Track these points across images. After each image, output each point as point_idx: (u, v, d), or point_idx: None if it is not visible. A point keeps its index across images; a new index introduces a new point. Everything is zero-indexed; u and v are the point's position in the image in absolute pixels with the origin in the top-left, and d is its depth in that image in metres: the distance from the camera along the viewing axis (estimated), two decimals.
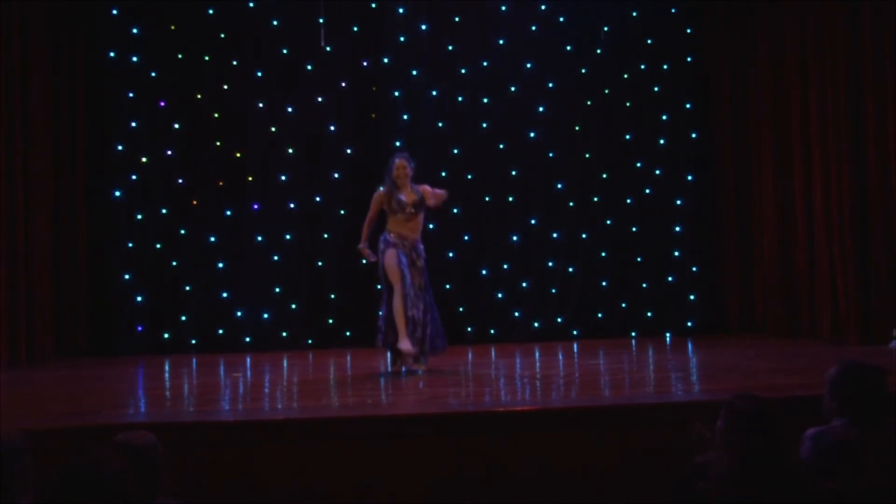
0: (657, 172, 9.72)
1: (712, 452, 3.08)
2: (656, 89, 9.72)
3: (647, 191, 9.72)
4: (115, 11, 9.10)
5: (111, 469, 2.30)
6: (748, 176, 9.36)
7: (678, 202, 9.71)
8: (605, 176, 9.68)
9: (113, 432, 3.28)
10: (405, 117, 9.44)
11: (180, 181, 9.20)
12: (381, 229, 7.05)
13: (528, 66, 9.62)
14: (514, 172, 9.56)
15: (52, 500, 2.16)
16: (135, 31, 9.15)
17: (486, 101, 9.55)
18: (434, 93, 9.50)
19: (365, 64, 9.47)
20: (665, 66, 9.72)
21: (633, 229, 9.66)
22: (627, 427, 4.87)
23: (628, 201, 9.69)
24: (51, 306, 8.63)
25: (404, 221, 6.90)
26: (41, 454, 3.05)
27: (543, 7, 9.66)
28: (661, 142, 9.74)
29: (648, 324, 9.54)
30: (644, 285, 9.63)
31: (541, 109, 9.62)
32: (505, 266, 9.51)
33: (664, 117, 9.74)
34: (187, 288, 9.14)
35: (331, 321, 9.26)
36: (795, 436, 3.35)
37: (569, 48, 9.68)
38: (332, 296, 9.28)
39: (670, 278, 9.66)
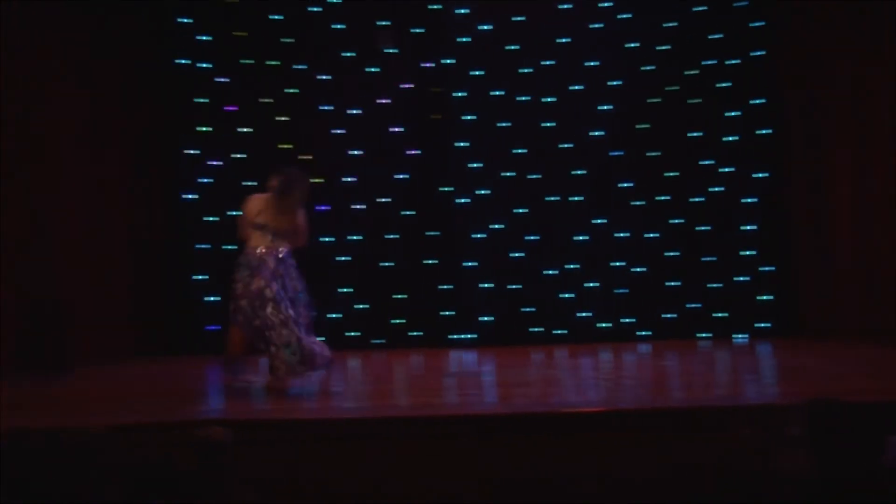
0: (727, 170, 9.52)
1: (791, 457, 2.99)
2: (725, 85, 9.53)
3: (716, 189, 9.52)
4: (185, 20, 9.31)
5: (183, 464, 2.35)
6: (823, 172, 9.08)
7: (749, 200, 9.48)
8: (672, 174, 9.52)
9: (189, 428, 3.34)
10: (468, 118, 9.44)
11: (249, 184, 9.34)
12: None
13: (592, 64, 9.52)
14: (579, 172, 9.47)
15: (131, 495, 2.21)
16: (204, 38, 9.34)
17: (549, 100, 9.49)
18: (497, 93, 9.48)
19: (428, 65, 9.50)
20: (734, 61, 9.51)
21: (703, 228, 9.48)
22: (698, 430, 4.78)
23: (697, 200, 9.51)
24: (129, 306, 8.86)
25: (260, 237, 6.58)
26: (123, 449, 3.11)
27: (607, 4, 9.55)
28: (730, 139, 9.53)
29: (719, 325, 9.34)
30: (714, 286, 9.44)
31: (605, 108, 9.52)
32: (571, 266, 9.43)
33: (733, 113, 9.54)
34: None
35: (398, 321, 9.31)
36: (880, 442, 3.23)
37: (633, 45, 9.55)
38: (399, 296, 9.32)
39: (741, 279, 9.44)
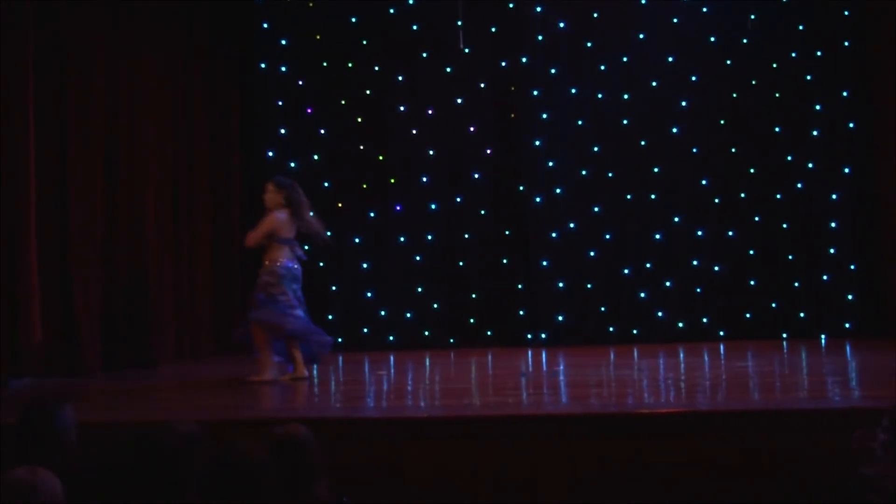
0: (810, 166, 9.27)
1: (879, 464, 2.92)
2: (809, 78, 9.27)
3: (799, 185, 9.28)
4: (265, 25, 9.54)
5: (258, 461, 2.43)
6: None
7: (833, 197, 9.21)
8: (752, 171, 9.32)
9: (268, 425, 3.45)
10: (544, 116, 9.41)
11: (326, 185, 9.53)
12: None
13: (670, 59, 9.39)
14: (656, 169, 9.35)
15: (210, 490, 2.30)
16: (283, 42, 9.55)
17: (626, 97, 9.39)
18: (573, 91, 9.42)
19: (504, 64, 9.51)
20: (819, 53, 9.25)
21: (784, 226, 9.25)
22: (779, 433, 4.68)
23: (778, 197, 9.28)
24: (210, 306, 9.12)
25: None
26: (209, 446, 3.23)
27: None
28: (815, 133, 9.27)
29: (801, 325, 9.10)
30: (796, 284, 9.20)
31: (684, 104, 9.37)
32: (648, 265, 9.31)
33: (818, 107, 9.27)
34: (333, 288, 9.45)
35: (472, 321, 9.35)
36: None
37: (713, 39, 9.37)
38: (474, 295, 9.36)
39: (825, 277, 9.18)
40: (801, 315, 9.16)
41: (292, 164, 9.53)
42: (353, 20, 9.53)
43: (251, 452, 2.46)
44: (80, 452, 3.32)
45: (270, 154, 9.53)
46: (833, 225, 9.20)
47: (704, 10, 9.37)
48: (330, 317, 9.41)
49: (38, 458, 2.99)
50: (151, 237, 8.14)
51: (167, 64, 8.47)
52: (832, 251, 9.19)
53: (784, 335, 9.03)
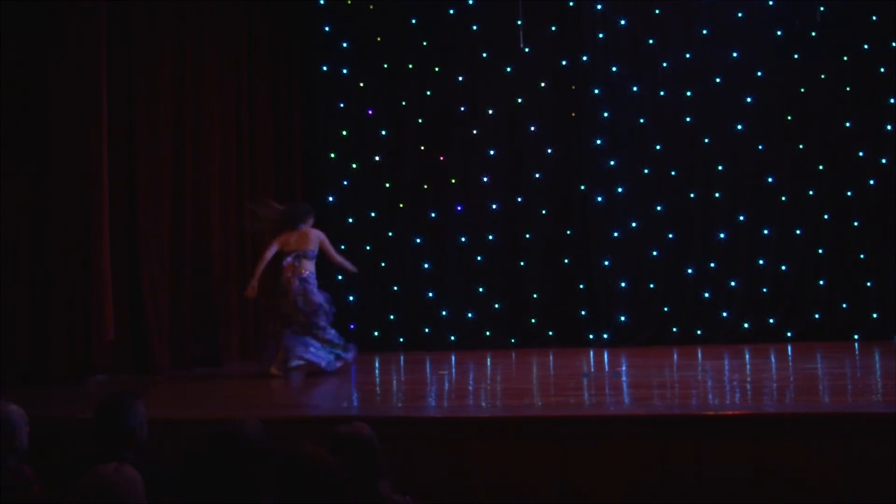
0: (882, 161, 8.99)
1: None
2: (881, 70, 8.99)
3: (871, 182, 9.01)
4: (327, 28, 9.66)
5: (328, 461, 2.47)
6: None
7: None
8: (821, 168, 9.09)
9: (331, 424, 3.49)
10: (605, 115, 9.33)
11: (388, 185, 9.60)
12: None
13: (734, 55, 9.20)
14: (720, 167, 9.19)
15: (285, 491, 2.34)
16: (345, 44, 9.65)
17: (689, 94, 9.24)
18: (635, 88, 9.32)
19: (564, 63, 9.45)
20: (892, 44, 8.96)
21: (855, 224, 9.00)
22: (851, 437, 4.56)
23: (848, 194, 9.04)
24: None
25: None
26: (276, 444, 3.28)
27: None
28: (888, 128, 9.00)
29: (874, 326, 8.84)
30: (868, 284, 8.94)
31: (749, 100, 9.18)
32: (712, 265, 9.16)
33: (891, 101, 8.99)
34: (395, 288, 9.52)
35: (533, 321, 9.32)
36: None
37: (779, 33, 9.16)
38: (535, 296, 9.34)
39: None
40: (874, 316, 8.90)
41: (354, 166, 9.63)
42: (413, 21, 9.57)
43: (320, 455, 2.50)
44: (150, 449, 3.42)
45: (332, 156, 9.64)
46: None
47: (770, 2, 9.17)
48: (392, 316, 9.49)
49: (111, 454, 3.09)
50: (217, 239, 8.32)
51: (231, 67, 8.63)
52: None
53: (855, 336, 8.79)
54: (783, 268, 9.09)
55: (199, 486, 2.53)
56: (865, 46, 9.03)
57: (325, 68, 9.65)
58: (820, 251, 9.04)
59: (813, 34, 9.08)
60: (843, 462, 4.49)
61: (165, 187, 7.84)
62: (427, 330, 9.43)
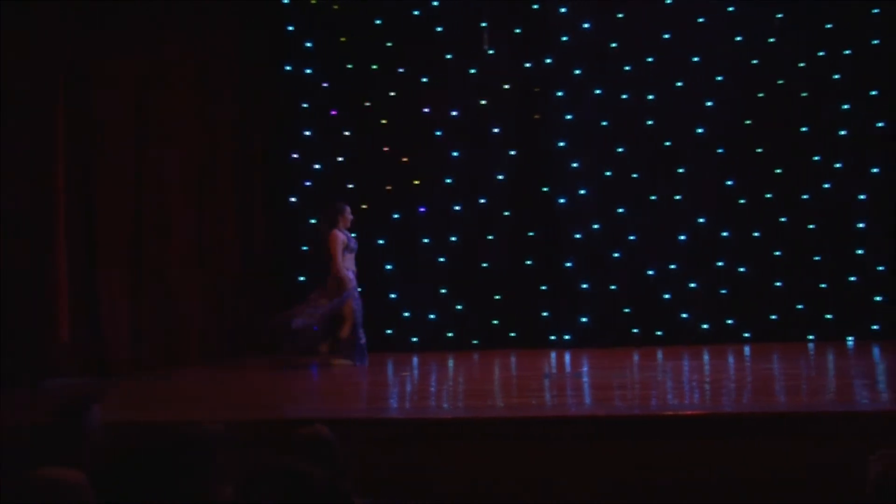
0: (837, 166, 9.17)
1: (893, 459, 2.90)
2: (836, 77, 9.17)
3: (827, 186, 9.19)
4: (291, 28, 9.60)
5: (293, 463, 2.46)
6: None
7: (861, 197, 9.11)
8: (778, 171, 9.24)
9: (292, 426, 3.47)
10: (568, 117, 9.40)
11: (350, 186, 9.57)
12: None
13: (695, 59, 9.33)
14: (680, 170, 9.30)
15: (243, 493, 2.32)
16: (308, 45, 9.61)
17: (651, 97, 9.35)
18: (598, 91, 9.39)
19: (528, 65, 9.50)
20: (846, 52, 9.15)
21: (811, 227, 9.17)
22: (805, 437, 4.64)
23: (805, 197, 9.20)
24: (236, 306, 9.18)
25: (352, 259, 7.93)
26: (237, 447, 3.26)
27: None
28: (842, 133, 9.18)
29: (828, 327, 9.01)
30: (823, 286, 9.11)
31: (709, 104, 9.31)
32: (672, 266, 9.27)
33: (845, 107, 9.18)
34: (358, 289, 9.47)
35: (495, 322, 9.35)
36: None
37: (738, 39, 9.31)
38: (497, 297, 9.37)
39: (853, 279, 9.08)
40: (828, 317, 9.07)
41: (317, 166, 9.58)
42: (378, 22, 9.56)
43: (283, 453, 2.49)
44: (107, 452, 3.37)
45: (295, 156, 9.59)
46: (861, 225, 9.10)
47: (730, 9, 9.31)
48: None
49: (66, 457, 3.04)
50: (177, 240, 8.22)
51: (193, 65, 8.55)
52: (860, 252, 9.09)
53: (811, 337, 8.95)
54: (741, 269, 9.22)
55: (149, 488, 2.50)
56: (821, 53, 9.20)
57: (288, 68, 9.59)
58: (777, 253, 9.19)
59: (771, 40, 9.24)
60: (797, 460, 4.56)
61: (124, 187, 7.73)
62: (389, 331, 9.40)
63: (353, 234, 8.00)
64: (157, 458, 2.51)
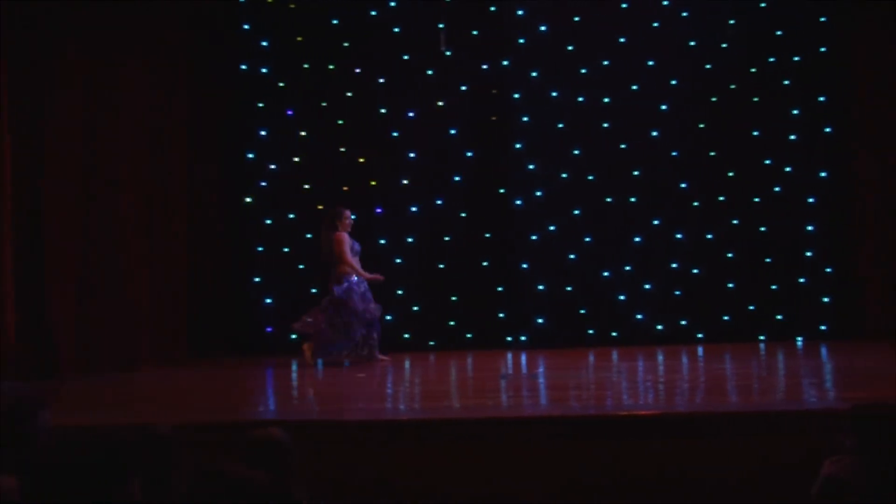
0: (787, 170, 9.35)
1: (846, 464, 2.96)
2: (787, 83, 9.35)
3: (777, 189, 9.36)
4: (246, 26, 9.51)
5: (244, 465, 2.42)
6: (886, 171, 8.85)
7: (810, 200, 9.30)
8: (731, 174, 9.38)
9: (246, 428, 3.43)
10: (525, 119, 9.44)
11: (306, 187, 9.51)
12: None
13: (650, 63, 9.43)
14: (635, 172, 9.40)
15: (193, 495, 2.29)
16: (264, 43, 9.52)
17: (606, 100, 9.43)
18: (554, 94, 9.45)
19: (485, 67, 9.52)
20: (796, 59, 9.33)
21: (762, 229, 9.33)
22: (756, 434, 4.72)
23: (756, 200, 9.36)
24: (188, 308, 9.06)
25: (357, 262, 8.17)
26: (185, 448, 3.21)
27: (666, 2, 9.45)
28: (792, 138, 9.36)
29: (778, 327, 9.17)
30: (773, 287, 9.28)
31: (663, 108, 9.42)
32: (627, 268, 9.36)
33: (795, 112, 9.36)
34: (313, 290, 9.41)
35: (452, 323, 9.35)
36: None
37: (692, 44, 9.43)
38: (454, 298, 9.37)
39: (802, 280, 9.27)
40: (779, 317, 9.24)
41: (272, 167, 9.50)
42: (335, 22, 9.50)
43: (235, 455, 2.45)
44: (53, 455, 3.28)
45: (251, 156, 9.49)
46: (809, 228, 9.29)
47: (684, 14, 9.43)
48: (309, 319, 9.37)
49: (10, 461, 2.96)
50: (128, 239, 8.07)
51: (145, 63, 8.40)
52: (809, 254, 9.28)
53: (761, 337, 9.11)
54: (695, 271, 9.35)
55: (95, 491, 2.45)
56: (771, 59, 9.37)
57: (244, 67, 9.49)
58: (729, 255, 9.34)
59: (724, 46, 9.37)
60: (749, 458, 4.64)
61: (73, 187, 7.57)
62: None
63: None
64: (103, 462, 2.46)
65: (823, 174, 9.32)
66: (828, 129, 9.33)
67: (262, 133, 9.50)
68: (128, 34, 8.11)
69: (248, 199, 9.48)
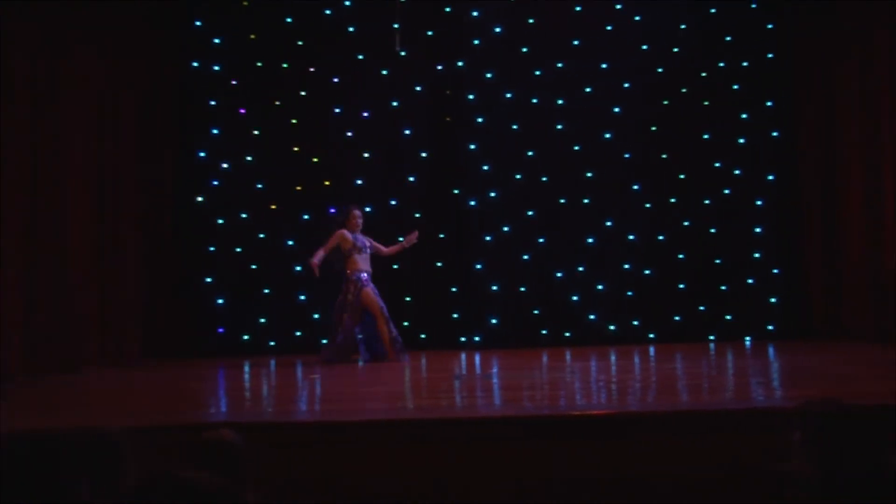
0: (736, 172, 9.53)
1: (793, 460, 3.01)
2: (735, 87, 9.52)
3: (726, 191, 9.53)
4: (198, 23, 9.38)
5: (195, 467, 2.38)
6: (834, 175, 9.07)
7: (758, 203, 9.49)
8: (682, 177, 9.53)
9: (198, 430, 3.38)
10: (479, 120, 9.47)
11: (259, 186, 9.42)
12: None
13: (603, 66, 9.54)
14: (589, 174, 9.49)
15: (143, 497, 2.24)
16: (217, 41, 9.40)
17: (560, 102, 9.51)
18: (508, 95, 9.50)
19: (439, 68, 9.53)
20: (744, 64, 9.51)
21: (712, 231, 9.49)
22: (706, 433, 4.79)
23: (706, 202, 9.52)
24: (138, 308, 8.91)
25: (365, 259, 8.23)
26: (137, 451, 3.15)
27: (619, 6, 9.56)
28: (741, 141, 9.54)
29: (727, 327, 9.35)
30: (723, 288, 9.44)
31: (616, 110, 9.53)
32: (580, 268, 9.44)
33: (744, 116, 9.54)
34: (266, 291, 9.34)
35: (406, 324, 9.32)
36: (886, 444, 3.24)
37: (645, 47, 9.56)
38: (408, 298, 9.36)
39: (750, 281, 9.45)
40: (728, 318, 9.40)
41: (225, 165, 9.39)
42: (289, 20, 9.44)
43: (185, 457, 2.41)
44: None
45: (202, 154, 9.37)
46: (758, 230, 9.47)
47: (637, 18, 9.55)
48: (262, 320, 9.31)
49: None
50: (75, 241, 7.90)
51: (94, 60, 8.25)
52: (757, 255, 9.46)
53: (711, 337, 9.25)
54: (647, 272, 9.46)
55: (44, 495, 2.39)
56: (721, 64, 9.53)
57: (195, 64, 9.37)
58: (680, 256, 9.47)
59: (675, 50, 9.52)
60: (698, 457, 4.69)
61: (18, 186, 7.37)
62: (298, 333, 9.29)
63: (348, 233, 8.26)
64: (50, 464, 2.40)
65: (771, 177, 9.51)
66: (775, 134, 9.52)
67: (215, 131, 9.39)
68: (75, 29, 7.94)
69: (199, 199, 9.36)
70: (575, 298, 9.41)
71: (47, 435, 2.72)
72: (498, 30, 9.53)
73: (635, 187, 9.52)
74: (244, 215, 9.42)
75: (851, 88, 8.67)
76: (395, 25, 9.26)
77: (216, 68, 9.39)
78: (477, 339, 9.27)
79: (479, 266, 9.39)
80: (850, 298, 8.82)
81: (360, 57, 9.46)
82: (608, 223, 9.48)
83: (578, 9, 9.55)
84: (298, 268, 9.33)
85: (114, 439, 2.87)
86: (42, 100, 7.61)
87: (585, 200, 9.49)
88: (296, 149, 9.41)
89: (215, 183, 9.37)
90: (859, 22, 8.56)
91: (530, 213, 9.45)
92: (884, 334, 8.30)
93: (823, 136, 9.18)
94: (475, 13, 9.49)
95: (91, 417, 5.18)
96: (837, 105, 8.96)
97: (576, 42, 9.55)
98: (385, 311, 8.13)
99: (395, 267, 9.38)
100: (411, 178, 9.47)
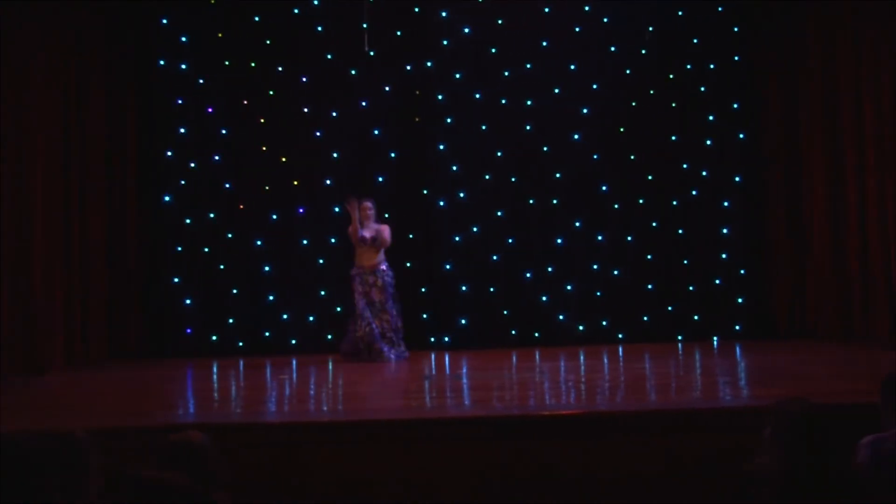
0: (704, 174, 9.61)
1: (761, 458, 3.04)
2: (703, 89, 9.61)
3: (694, 193, 9.61)
4: (164, 21, 9.28)
5: (161, 469, 2.35)
6: (799, 177, 9.19)
7: (725, 204, 9.58)
8: (650, 178, 9.59)
9: (165, 432, 3.34)
10: (448, 120, 9.47)
11: (227, 186, 9.34)
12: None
13: (572, 67, 9.58)
14: (557, 175, 9.53)
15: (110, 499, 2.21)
16: (183, 39, 9.31)
17: (529, 103, 9.53)
18: (477, 96, 9.51)
19: (408, 68, 9.51)
20: (712, 66, 9.60)
21: (679, 232, 9.57)
22: (673, 432, 4.83)
23: (674, 203, 9.59)
24: (104, 309, 8.80)
25: (362, 252, 8.22)
26: (103, 453, 3.10)
27: (587, 8, 9.60)
28: (708, 143, 9.63)
29: (695, 328, 9.43)
30: (690, 288, 9.53)
31: (585, 111, 9.57)
32: (549, 269, 9.47)
33: (711, 118, 9.63)
34: (234, 291, 9.27)
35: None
36: (853, 443, 3.29)
37: (613, 49, 9.62)
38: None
39: (717, 281, 9.54)
40: (695, 318, 9.48)
41: (192, 165, 9.30)
42: (257, 19, 9.37)
43: (152, 459, 2.38)
44: None
45: (169, 154, 9.28)
46: (724, 231, 9.56)
47: (605, 20, 9.60)
48: (231, 320, 9.23)
49: None
50: (39, 240, 7.76)
51: (59, 58, 8.12)
52: (723, 256, 9.55)
53: (679, 337, 9.33)
54: (615, 273, 9.52)
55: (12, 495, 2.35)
56: (688, 66, 9.62)
57: (162, 63, 9.27)
58: (648, 257, 9.54)
59: (643, 52, 9.58)
60: (667, 456, 4.73)
61: None
62: (267, 334, 9.24)
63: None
64: (16, 467, 2.36)
65: (737, 179, 9.61)
66: (741, 135, 9.63)
67: (182, 130, 9.30)
68: (40, 26, 7.81)
69: (166, 198, 9.26)
70: (544, 299, 9.45)
71: (12, 438, 2.67)
72: (467, 30, 9.53)
73: (604, 188, 9.57)
74: (212, 215, 9.33)
75: (814, 91, 8.79)
76: (364, 25, 9.23)
77: (183, 67, 9.30)
78: (446, 339, 9.26)
79: (448, 266, 9.39)
80: (815, 299, 8.95)
81: (329, 56, 9.42)
82: (577, 224, 9.52)
83: (547, 10, 9.58)
84: (267, 267, 9.29)
85: (79, 442, 2.83)
86: (6, 98, 7.47)
87: (554, 201, 9.52)
88: (264, 148, 9.34)
89: (182, 182, 9.28)
90: (822, 26, 8.68)
91: (499, 213, 9.47)
92: (848, 334, 8.43)
93: (789, 138, 9.29)
94: (444, 13, 9.49)
95: (57, 419, 5.11)
96: (801, 107, 9.08)
97: (545, 43, 9.58)
98: (360, 309, 8.16)
99: None
100: (380, 179, 9.44)
